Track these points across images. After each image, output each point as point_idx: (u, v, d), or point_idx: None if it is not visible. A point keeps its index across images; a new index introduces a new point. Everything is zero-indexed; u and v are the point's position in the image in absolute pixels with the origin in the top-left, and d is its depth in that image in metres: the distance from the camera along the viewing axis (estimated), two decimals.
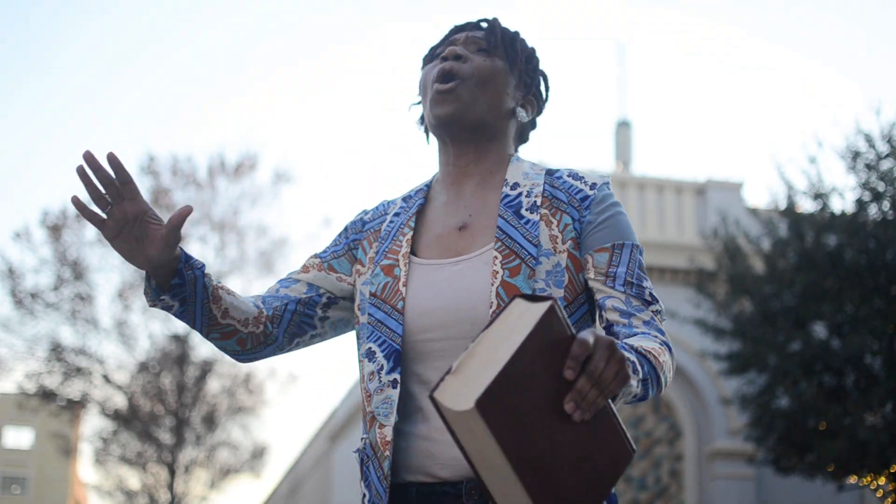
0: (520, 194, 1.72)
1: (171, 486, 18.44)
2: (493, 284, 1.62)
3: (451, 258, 1.70)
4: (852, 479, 10.86)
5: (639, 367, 1.50)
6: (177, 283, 1.67)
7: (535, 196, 1.71)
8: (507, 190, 1.73)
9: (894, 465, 10.35)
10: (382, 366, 1.65)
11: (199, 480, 19.28)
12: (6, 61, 61.99)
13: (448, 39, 1.85)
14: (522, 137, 1.90)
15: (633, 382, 1.46)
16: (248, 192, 19.19)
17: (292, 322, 1.81)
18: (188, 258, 1.68)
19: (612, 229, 1.70)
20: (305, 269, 1.86)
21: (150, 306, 1.71)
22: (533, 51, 1.88)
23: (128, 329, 18.60)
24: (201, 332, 1.75)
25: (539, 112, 1.89)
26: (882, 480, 10.61)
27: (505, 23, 1.87)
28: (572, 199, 1.71)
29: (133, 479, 19.49)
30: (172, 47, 61.11)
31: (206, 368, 18.73)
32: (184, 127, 61.98)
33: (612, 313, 1.65)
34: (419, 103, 1.90)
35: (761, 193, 41.13)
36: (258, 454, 19.88)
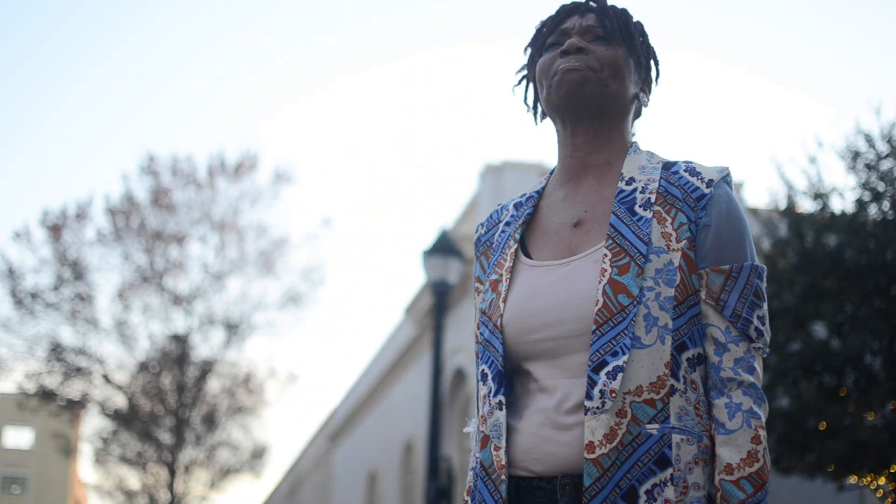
0: (634, 190, 1.69)
1: (171, 486, 18.45)
2: (600, 282, 1.60)
3: (565, 258, 1.69)
4: (852, 479, 10.86)
5: None
6: None
7: (650, 192, 1.68)
8: (622, 185, 1.71)
9: (894, 465, 10.35)
10: (491, 388, 1.67)
11: (199, 480, 19.29)
12: (6, 61, 61.99)
13: (560, 28, 1.79)
14: (637, 114, 1.86)
15: None
16: (248, 192, 19.19)
17: None
18: None
19: (732, 244, 1.65)
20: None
21: None
22: (642, 27, 1.84)
23: (128, 329, 18.62)
24: None
25: (651, 87, 1.87)
26: (882, 480, 10.61)
27: (608, 2, 1.82)
28: (688, 196, 1.67)
29: (133, 479, 19.51)
30: (173, 47, 61.12)
31: (206, 368, 18.73)
32: (184, 127, 61.96)
33: (710, 345, 1.62)
34: (528, 96, 1.87)
35: (761, 193, 41.15)
36: (258, 454, 19.89)
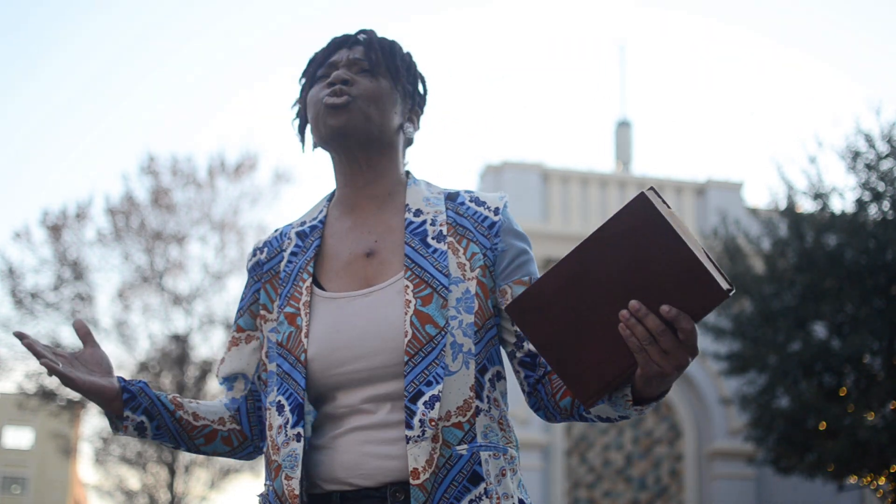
0: (424, 222, 1.76)
1: (171, 486, 18.44)
2: (406, 313, 1.66)
3: (362, 289, 1.73)
4: (852, 479, 10.87)
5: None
6: (128, 398, 1.77)
7: (441, 224, 1.75)
8: (409, 216, 1.77)
9: (894, 465, 10.36)
10: (288, 419, 1.70)
11: (199, 480, 19.27)
12: (6, 61, 62.00)
13: (328, 61, 1.85)
14: (408, 142, 1.92)
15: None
16: (248, 192, 19.18)
17: (251, 417, 1.89)
18: (125, 380, 1.78)
19: (526, 262, 1.77)
20: (227, 349, 1.93)
21: (116, 432, 1.78)
22: (410, 58, 1.90)
23: (128, 329, 18.61)
24: (185, 444, 1.84)
25: (420, 118, 1.93)
26: (882, 480, 10.62)
27: (381, 33, 1.89)
28: (479, 226, 1.76)
29: (133, 479, 19.49)
30: (172, 47, 61.11)
31: (206, 368, 18.72)
32: (184, 127, 61.97)
33: (525, 355, 1.75)
34: (299, 123, 1.93)
35: (761, 193, 41.15)
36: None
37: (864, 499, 14.21)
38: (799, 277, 10.60)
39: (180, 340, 18.61)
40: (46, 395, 18.43)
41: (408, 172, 1.87)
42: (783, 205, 11.30)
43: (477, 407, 1.66)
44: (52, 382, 18.49)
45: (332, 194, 1.90)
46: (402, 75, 1.86)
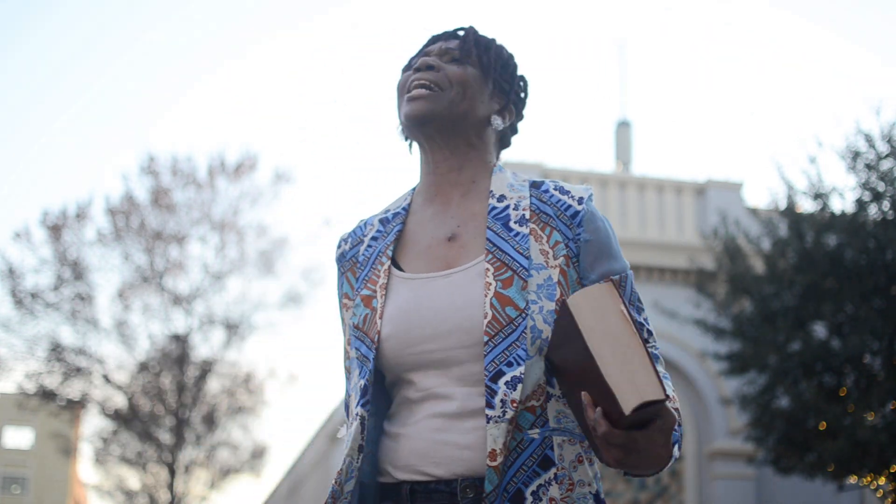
0: (507, 206, 1.74)
1: (171, 486, 18.44)
2: (486, 295, 1.65)
3: (442, 270, 1.72)
4: (852, 479, 10.87)
5: (675, 454, 1.59)
6: None
7: (524, 209, 1.74)
8: (493, 202, 1.76)
9: (894, 465, 10.36)
10: (357, 401, 1.71)
11: (199, 480, 19.28)
12: (6, 61, 62.01)
13: (423, 51, 1.86)
14: (503, 142, 1.91)
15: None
16: (248, 192, 19.19)
17: None
18: None
19: (614, 257, 1.75)
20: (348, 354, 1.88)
21: None
22: (510, 57, 1.88)
23: (128, 329, 18.61)
24: None
25: (519, 118, 1.91)
26: (882, 480, 10.62)
27: (482, 31, 1.88)
28: (561, 214, 1.74)
29: (133, 479, 19.50)
30: (172, 47, 61.13)
31: (206, 368, 18.73)
32: (184, 127, 61.97)
33: None
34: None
35: (761, 193, 41.15)
36: (258, 454, 19.88)
37: (864, 499, 14.21)
38: (799, 277, 10.60)
39: (180, 340, 18.61)
40: (46, 395, 18.44)
41: (495, 161, 1.85)
42: (783, 205, 11.29)
43: (549, 392, 1.64)
44: (52, 382, 18.50)
45: (417, 185, 1.89)
46: (494, 68, 1.84)
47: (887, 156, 10.61)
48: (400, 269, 1.76)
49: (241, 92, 61.28)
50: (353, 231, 1.89)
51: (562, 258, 1.70)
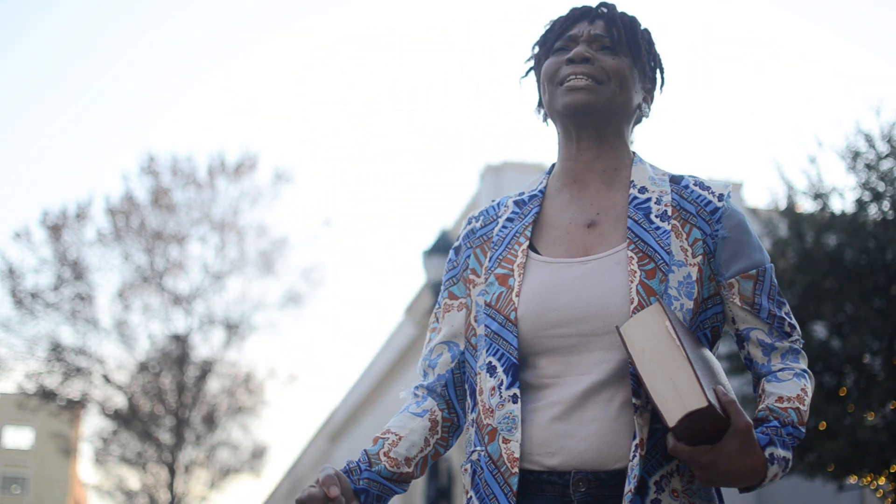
0: (648, 199, 1.73)
1: (171, 486, 18.45)
2: (632, 282, 1.63)
3: (580, 256, 1.70)
4: (852, 479, 10.86)
5: (778, 457, 1.60)
6: (364, 499, 1.74)
7: (666, 205, 1.72)
8: (634, 192, 1.74)
9: (894, 465, 10.35)
10: (502, 381, 1.66)
11: (199, 480, 19.29)
12: (6, 60, 62.04)
13: (569, 34, 1.81)
14: (637, 121, 1.89)
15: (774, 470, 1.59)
16: (248, 192, 19.20)
17: (458, 393, 1.83)
18: (354, 483, 1.73)
19: (752, 251, 1.74)
20: (440, 318, 1.86)
21: None
22: (650, 36, 1.86)
23: (128, 329, 18.62)
24: (405, 489, 1.80)
25: (653, 97, 1.89)
26: (882, 480, 10.61)
27: (620, 6, 1.84)
28: (701, 210, 1.73)
29: (133, 479, 19.51)
30: (172, 47, 61.16)
31: (206, 368, 18.74)
32: (184, 127, 61.99)
33: (755, 348, 1.73)
34: (529, 81, 1.90)
35: (761, 193, 41.16)
36: (258, 454, 19.88)
37: (864, 499, 14.21)
38: (799, 277, 10.59)
39: (180, 340, 18.62)
40: (46, 395, 18.45)
41: (634, 152, 1.84)
42: (783, 205, 11.28)
43: None
44: (52, 382, 18.50)
45: (552, 168, 1.87)
46: (644, 54, 1.81)
47: (887, 156, 10.61)
48: (536, 251, 1.74)
49: (241, 92, 61.29)
50: (486, 210, 1.87)
51: (700, 256, 1.69)
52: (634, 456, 1.56)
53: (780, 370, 1.70)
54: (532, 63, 1.89)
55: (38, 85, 63.90)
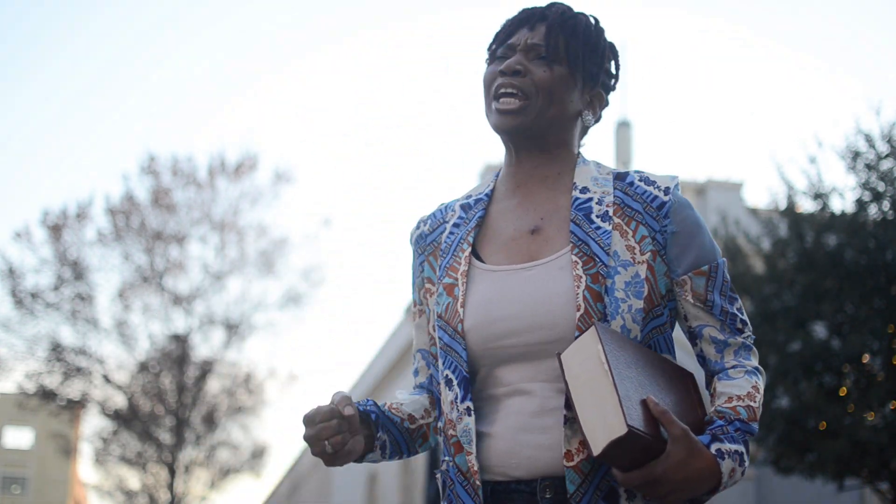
0: (590, 199, 1.71)
1: (171, 486, 18.46)
2: (578, 287, 1.61)
3: (525, 263, 1.69)
4: (852, 479, 10.86)
5: (728, 451, 1.58)
6: (374, 420, 1.78)
7: (607, 205, 1.70)
8: (576, 193, 1.72)
9: (894, 465, 10.35)
10: (457, 394, 1.67)
11: (199, 480, 19.30)
12: (6, 61, 62.05)
13: (508, 41, 1.78)
14: (585, 130, 1.85)
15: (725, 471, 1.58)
16: (248, 192, 19.21)
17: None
18: (365, 414, 1.76)
19: (703, 246, 1.71)
20: (414, 325, 1.87)
21: (363, 458, 1.78)
22: (597, 34, 1.80)
23: (128, 329, 18.63)
24: (408, 451, 1.82)
25: (607, 100, 1.85)
26: (882, 481, 10.62)
27: (564, 10, 1.79)
28: (648, 206, 1.70)
29: (133, 479, 19.52)
30: (172, 47, 61.14)
31: (206, 368, 18.74)
32: (184, 127, 62.01)
33: (708, 345, 1.71)
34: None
35: (761, 193, 41.18)
36: (258, 454, 19.89)
37: (864, 499, 14.21)
38: (799, 277, 10.60)
39: (180, 340, 18.63)
40: (46, 395, 18.45)
41: (579, 153, 1.81)
42: (783, 205, 11.29)
43: None
44: (52, 382, 18.51)
45: (500, 171, 1.85)
46: (584, 60, 1.76)
47: (887, 156, 10.61)
48: (481, 259, 1.73)
49: (241, 92, 61.29)
50: (434, 213, 1.86)
51: (649, 253, 1.67)
52: (567, 468, 1.57)
53: (732, 367, 1.69)
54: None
55: (38, 85, 63.94)
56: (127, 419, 18.51)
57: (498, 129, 1.76)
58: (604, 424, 1.47)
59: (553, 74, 1.73)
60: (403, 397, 1.84)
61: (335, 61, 61.02)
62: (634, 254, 1.66)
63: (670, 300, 1.70)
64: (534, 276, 1.66)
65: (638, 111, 54.70)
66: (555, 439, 1.59)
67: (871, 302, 10.35)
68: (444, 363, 1.70)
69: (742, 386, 1.66)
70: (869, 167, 10.68)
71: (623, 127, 18.36)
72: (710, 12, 56.54)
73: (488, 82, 1.77)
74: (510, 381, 1.65)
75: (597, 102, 1.81)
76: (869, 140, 10.71)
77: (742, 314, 1.73)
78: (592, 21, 1.81)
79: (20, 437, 43.18)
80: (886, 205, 10.54)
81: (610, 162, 19.37)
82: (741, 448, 1.58)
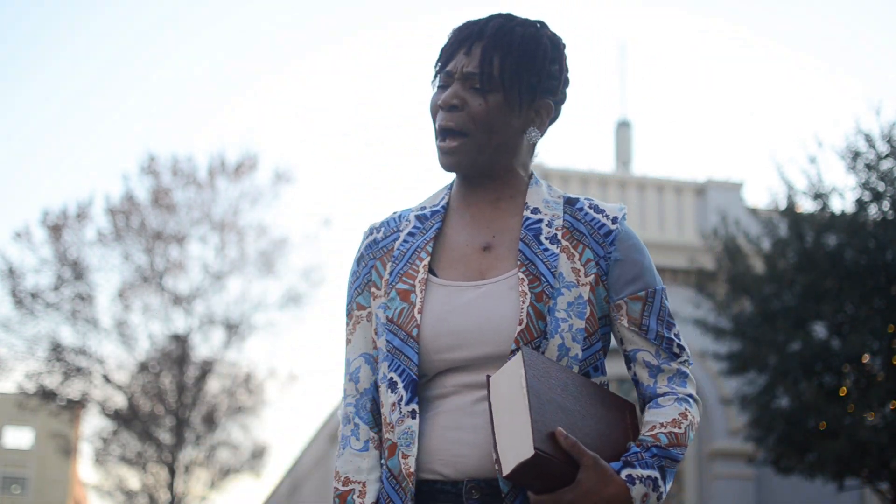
0: (540, 221, 1.76)
1: (171, 486, 18.44)
2: (523, 304, 1.66)
3: (475, 280, 1.73)
4: (852, 479, 10.87)
5: (639, 476, 1.61)
6: None
7: (557, 228, 1.75)
8: (528, 213, 1.77)
9: (894, 465, 10.36)
10: (402, 396, 1.69)
11: (199, 480, 19.27)
12: (6, 60, 62.06)
13: (446, 68, 1.78)
14: (533, 146, 1.86)
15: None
16: (248, 192, 19.19)
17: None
18: None
19: (643, 273, 1.77)
20: (352, 331, 1.85)
21: None
22: (537, 44, 1.76)
23: (128, 329, 18.61)
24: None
25: (559, 108, 1.85)
26: (882, 480, 10.63)
27: (501, 25, 1.77)
28: (595, 232, 1.76)
29: (133, 479, 19.50)
30: (172, 47, 61.13)
31: (206, 368, 18.73)
32: (184, 127, 62.03)
33: (642, 370, 1.75)
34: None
35: (761, 193, 41.15)
36: (258, 454, 19.87)
37: (864, 499, 14.22)
38: (799, 277, 10.61)
39: (180, 340, 18.62)
40: (46, 395, 18.44)
41: (532, 173, 1.84)
42: (783, 205, 11.30)
43: None
44: (52, 382, 18.50)
45: (453, 182, 1.88)
46: (520, 78, 1.74)
47: (887, 156, 10.62)
48: (433, 271, 1.76)
49: (241, 92, 61.30)
50: (387, 221, 1.88)
51: (592, 276, 1.72)
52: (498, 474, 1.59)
53: (662, 395, 1.73)
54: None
55: (38, 85, 63.96)
56: (127, 419, 18.50)
57: (443, 167, 1.80)
58: (516, 446, 1.52)
59: (488, 106, 1.74)
60: (356, 470, 1.75)
61: (335, 61, 61.02)
62: (579, 276, 1.72)
63: (607, 324, 1.75)
64: (483, 294, 1.71)
65: (638, 111, 54.67)
66: (482, 439, 1.62)
67: (871, 302, 10.36)
68: (389, 366, 1.72)
69: (668, 413, 1.69)
70: (869, 167, 10.68)
71: (623, 127, 18.36)
72: (709, 12, 56.56)
73: (433, 114, 1.81)
74: (454, 383, 1.69)
75: (544, 112, 1.81)
76: (869, 140, 10.71)
77: (679, 339, 1.77)
78: (531, 29, 1.78)
79: (20, 437, 43.19)
80: (886, 205, 10.54)
81: (610, 162, 19.35)
82: (655, 473, 1.61)
